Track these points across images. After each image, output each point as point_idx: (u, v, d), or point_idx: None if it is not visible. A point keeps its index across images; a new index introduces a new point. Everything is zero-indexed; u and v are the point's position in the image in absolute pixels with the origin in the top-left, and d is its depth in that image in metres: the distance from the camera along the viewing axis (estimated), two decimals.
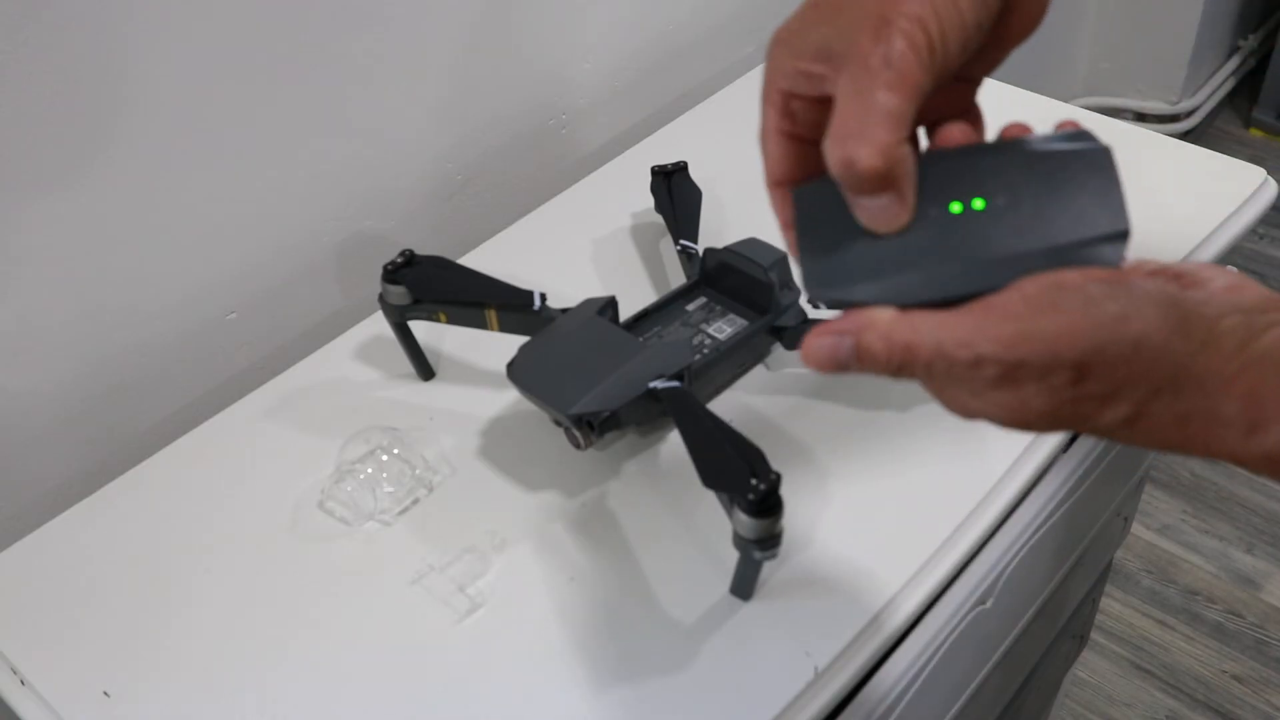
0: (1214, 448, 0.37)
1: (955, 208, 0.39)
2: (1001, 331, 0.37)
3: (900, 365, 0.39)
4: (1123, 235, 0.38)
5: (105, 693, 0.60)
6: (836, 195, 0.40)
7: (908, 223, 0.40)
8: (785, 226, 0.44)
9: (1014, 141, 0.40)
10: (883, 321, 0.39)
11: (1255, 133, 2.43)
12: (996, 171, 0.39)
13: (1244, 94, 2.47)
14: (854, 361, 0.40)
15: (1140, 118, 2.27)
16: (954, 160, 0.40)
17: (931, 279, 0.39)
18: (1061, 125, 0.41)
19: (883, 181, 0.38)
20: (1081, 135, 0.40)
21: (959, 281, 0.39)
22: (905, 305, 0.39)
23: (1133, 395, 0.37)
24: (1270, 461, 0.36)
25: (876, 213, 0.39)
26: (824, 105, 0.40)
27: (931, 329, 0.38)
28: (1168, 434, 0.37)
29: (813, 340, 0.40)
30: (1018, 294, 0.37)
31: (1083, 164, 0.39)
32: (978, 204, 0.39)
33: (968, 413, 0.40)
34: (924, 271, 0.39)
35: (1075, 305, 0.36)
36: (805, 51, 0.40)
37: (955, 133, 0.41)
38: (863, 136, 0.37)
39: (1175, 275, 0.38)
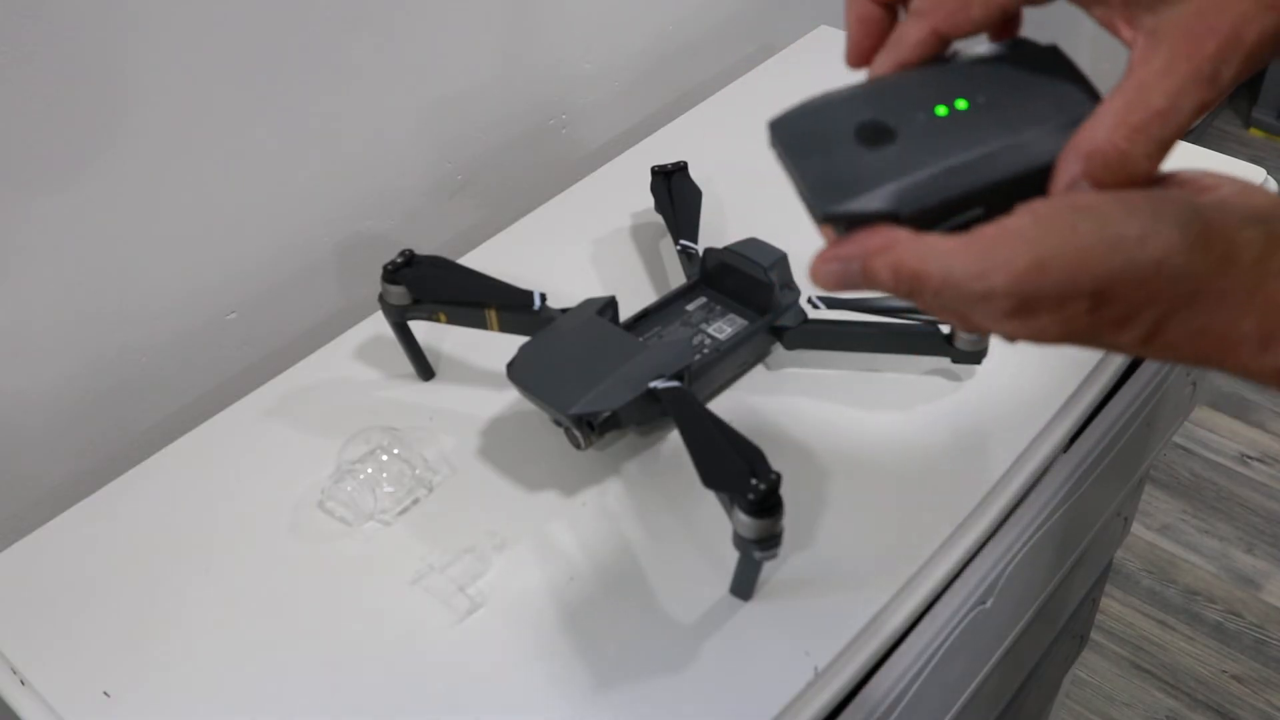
0: (1228, 362, 0.37)
1: (940, 110, 0.40)
2: (1016, 261, 0.35)
3: (909, 292, 0.38)
4: None
5: (105, 693, 0.60)
6: (818, 116, 0.40)
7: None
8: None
9: (965, 55, 0.41)
10: (891, 248, 0.38)
11: (1255, 133, 2.43)
12: (964, 78, 0.41)
13: (1244, 94, 2.47)
14: (863, 284, 0.39)
15: None
16: (920, 74, 0.41)
17: (935, 180, 0.39)
18: (997, 37, 0.42)
19: None
20: (1023, 41, 0.42)
21: (962, 178, 0.38)
22: (916, 211, 0.38)
23: (1151, 315, 0.36)
24: None
25: None
26: None
27: (941, 258, 0.37)
28: (1182, 350, 0.37)
29: (820, 266, 0.39)
30: (1029, 217, 0.36)
31: (1039, 60, 0.41)
32: (961, 104, 0.40)
33: (972, 329, 0.40)
34: (925, 174, 0.39)
35: (1092, 229, 0.35)
36: None
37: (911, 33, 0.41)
38: None
39: (1180, 182, 0.38)
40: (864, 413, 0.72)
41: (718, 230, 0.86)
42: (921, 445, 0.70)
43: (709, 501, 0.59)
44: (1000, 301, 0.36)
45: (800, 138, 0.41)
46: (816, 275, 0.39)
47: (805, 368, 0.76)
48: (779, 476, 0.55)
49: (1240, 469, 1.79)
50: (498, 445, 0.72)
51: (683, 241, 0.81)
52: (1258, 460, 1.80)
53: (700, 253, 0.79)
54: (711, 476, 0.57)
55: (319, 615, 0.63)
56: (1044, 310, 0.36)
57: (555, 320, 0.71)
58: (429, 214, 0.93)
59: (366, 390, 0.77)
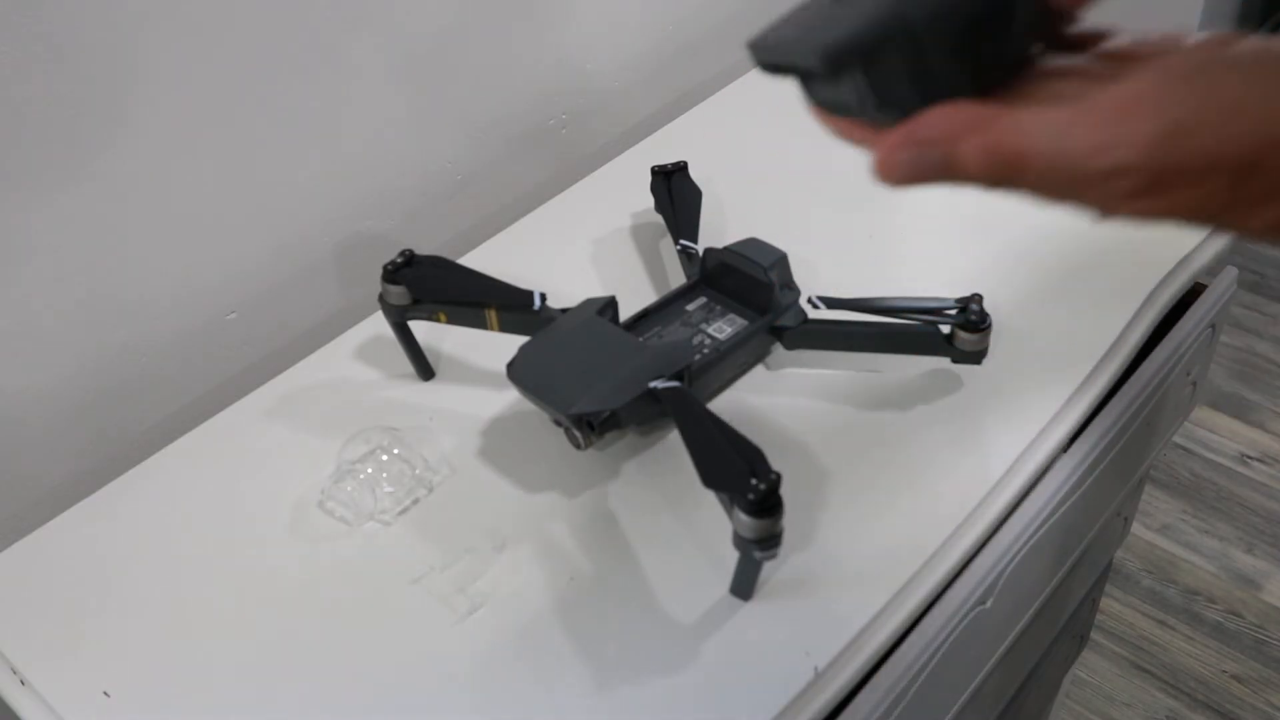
0: None
1: None
2: (1147, 129, 0.30)
3: (1004, 178, 0.32)
4: None
5: (105, 693, 0.60)
6: (792, 16, 0.39)
7: None
8: None
9: None
10: (983, 126, 0.32)
11: None
12: None
13: None
14: (943, 174, 0.33)
15: None
16: None
17: None
18: None
19: None
20: None
21: None
22: (932, 9, 0.34)
23: None
24: None
25: None
26: None
27: (1048, 132, 0.31)
28: None
29: (889, 155, 0.33)
30: (1157, 74, 0.31)
31: None
32: None
33: (1078, 208, 0.33)
34: None
35: (1239, 84, 0.30)
36: None
37: None
38: None
39: None
40: (864, 413, 0.72)
41: (718, 230, 0.86)
42: (921, 446, 0.70)
43: (709, 501, 0.59)
44: (1129, 178, 0.31)
45: (786, 34, 0.39)
46: (885, 167, 0.34)
47: (805, 368, 0.76)
48: (779, 476, 0.55)
49: (1240, 469, 1.79)
50: (498, 445, 0.72)
51: (683, 241, 0.81)
52: (1258, 460, 1.80)
53: (700, 253, 0.79)
54: (711, 476, 0.57)
55: (319, 615, 0.63)
56: (1181, 185, 0.30)
57: (555, 320, 0.71)
58: (429, 214, 0.93)
59: (366, 390, 0.77)
